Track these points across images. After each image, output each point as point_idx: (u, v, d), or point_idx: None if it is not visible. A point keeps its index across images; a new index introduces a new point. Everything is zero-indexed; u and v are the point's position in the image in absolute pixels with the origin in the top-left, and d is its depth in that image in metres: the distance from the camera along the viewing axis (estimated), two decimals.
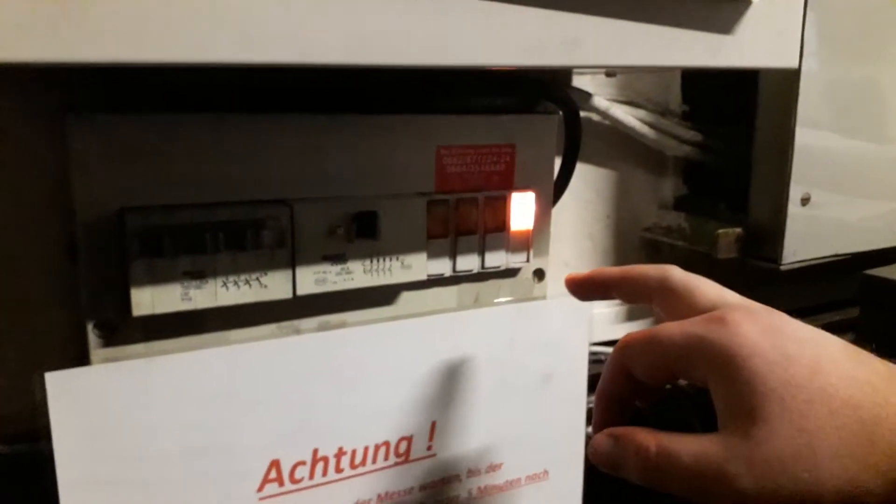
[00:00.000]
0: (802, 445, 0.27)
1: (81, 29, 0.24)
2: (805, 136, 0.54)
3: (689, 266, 0.68)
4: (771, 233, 0.55)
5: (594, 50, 0.33)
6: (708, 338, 0.29)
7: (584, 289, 0.39)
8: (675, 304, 0.33)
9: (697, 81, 0.60)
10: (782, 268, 0.55)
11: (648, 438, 0.30)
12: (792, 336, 0.29)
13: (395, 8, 0.28)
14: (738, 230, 0.57)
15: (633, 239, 0.64)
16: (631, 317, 0.63)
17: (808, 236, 0.56)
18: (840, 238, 0.59)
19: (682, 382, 0.34)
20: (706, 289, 0.33)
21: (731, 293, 0.33)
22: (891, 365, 0.29)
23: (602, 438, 0.33)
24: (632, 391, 0.34)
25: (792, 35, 0.39)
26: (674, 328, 0.31)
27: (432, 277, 0.45)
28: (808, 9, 0.45)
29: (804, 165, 0.55)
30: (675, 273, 0.34)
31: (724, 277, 0.67)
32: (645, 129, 0.57)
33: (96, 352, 0.37)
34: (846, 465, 0.27)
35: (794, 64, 0.40)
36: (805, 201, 0.55)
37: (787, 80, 0.54)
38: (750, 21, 0.37)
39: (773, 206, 0.55)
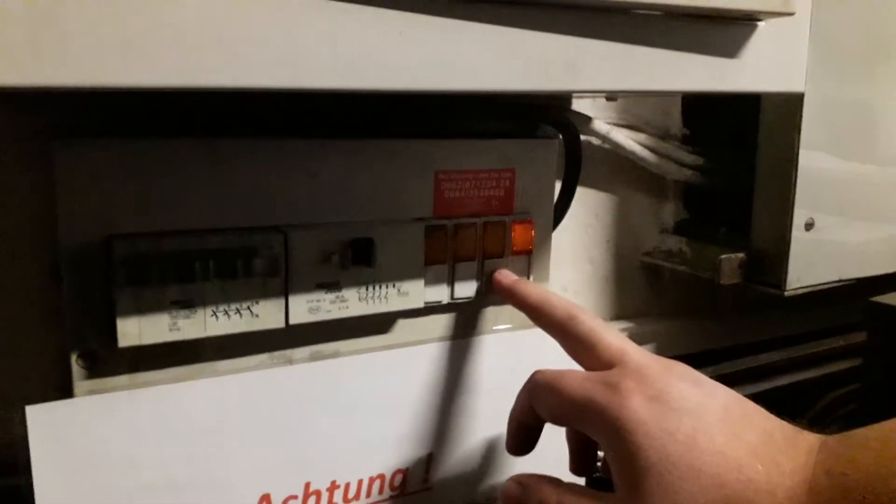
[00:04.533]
0: None
1: (61, 52, 0.22)
2: (808, 159, 0.54)
3: (690, 290, 0.67)
4: (774, 258, 0.54)
5: (596, 74, 0.32)
6: (602, 405, 0.32)
7: (504, 296, 0.45)
8: (578, 350, 0.37)
9: (698, 105, 0.60)
10: (786, 293, 0.54)
11: (551, 494, 0.34)
12: (675, 407, 0.31)
13: (394, 31, 0.27)
14: (741, 255, 0.56)
15: (633, 263, 0.63)
16: (634, 341, 0.62)
17: (812, 261, 0.55)
18: (844, 263, 0.58)
19: None
20: (609, 342, 0.36)
21: (631, 348, 0.36)
22: (763, 427, 0.32)
23: (511, 485, 0.37)
24: (540, 421, 0.38)
25: (798, 58, 0.39)
26: (574, 384, 0.34)
27: (430, 305, 0.44)
28: None
29: (807, 189, 0.54)
30: (583, 320, 0.38)
31: (727, 303, 0.66)
32: (645, 153, 0.57)
33: (80, 383, 0.36)
34: None
35: (800, 88, 0.39)
36: (809, 226, 0.54)
37: (790, 103, 0.54)
38: (755, 45, 0.37)
39: (777, 230, 0.54)
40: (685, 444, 0.31)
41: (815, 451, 0.31)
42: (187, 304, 0.35)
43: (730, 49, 0.36)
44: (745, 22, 0.36)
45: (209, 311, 0.36)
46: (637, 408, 0.32)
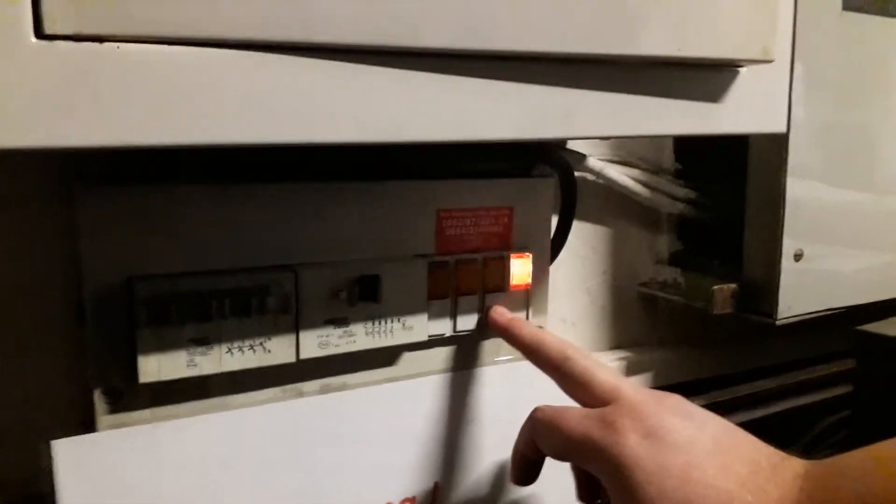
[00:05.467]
0: None
1: (93, 114, 0.25)
2: (796, 188, 0.56)
3: (685, 320, 0.69)
4: (765, 288, 0.56)
5: (587, 122, 0.34)
6: (600, 444, 0.35)
7: (500, 334, 0.46)
8: (574, 389, 0.39)
9: (689, 141, 0.62)
10: (778, 322, 0.56)
11: None
12: (669, 442, 0.34)
13: (400, 89, 0.29)
14: (733, 286, 0.58)
15: (630, 294, 0.65)
16: (630, 371, 0.63)
17: (803, 291, 0.57)
18: (835, 292, 0.60)
19: None
20: (602, 380, 0.38)
21: (625, 384, 0.38)
22: (751, 457, 0.34)
23: None
24: (541, 454, 0.40)
25: (779, 101, 0.41)
26: (573, 422, 0.36)
27: (433, 338, 0.46)
28: (796, 58, 0.46)
29: (796, 219, 0.56)
30: (576, 360, 0.40)
31: (720, 332, 0.68)
32: (639, 188, 0.59)
33: (103, 418, 0.38)
34: None
35: (781, 129, 0.41)
36: (798, 257, 0.56)
37: (777, 138, 0.56)
38: (738, 89, 0.39)
39: (767, 262, 0.56)
40: (680, 478, 0.33)
41: (801, 477, 0.32)
42: (204, 341, 0.37)
43: (713, 94, 0.38)
44: (728, 69, 0.38)
45: (224, 347, 0.38)
46: (633, 445, 0.34)
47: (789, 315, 0.56)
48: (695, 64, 0.37)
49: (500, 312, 0.47)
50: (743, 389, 0.68)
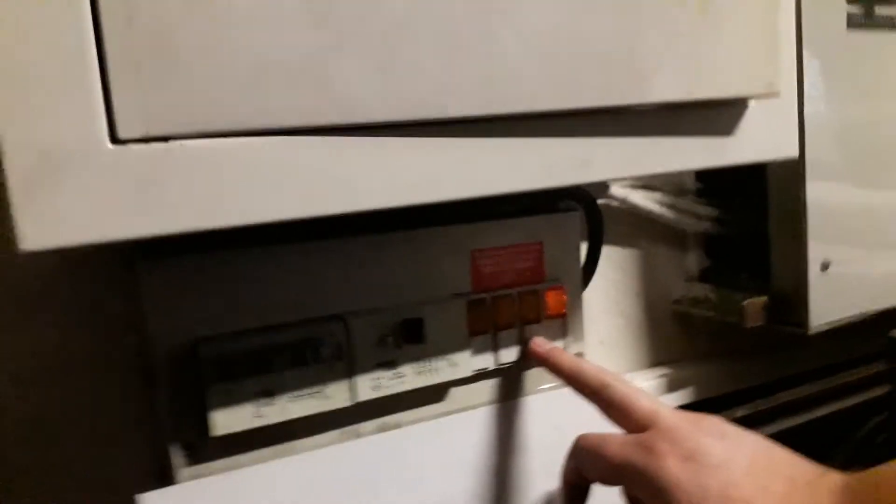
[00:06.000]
0: None
1: (162, 206, 0.28)
2: (818, 192, 0.56)
3: (720, 333, 0.70)
4: (795, 300, 0.57)
5: (605, 167, 0.37)
6: (641, 468, 0.36)
7: (540, 363, 0.49)
8: (613, 415, 0.41)
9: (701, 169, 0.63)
10: (810, 332, 0.57)
11: None
12: (707, 463, 0.35)
13: (429, 156, 0.32)
14: (764, 299, 0.59)
15: (664, 312, 0.67)
16: (672, 387, 0.65)
17: (833, 299, 0.58)
18: (865, 296, 0.61)
19: None
20: (641, 405, 0.40)
21: (662, 409, 0.39)
22: (788, 474, 0.35)
23: None
24: (587, 480, 0.42)
25: (789, 129, 0.43)
26: (614, 448, 0.38)
27: (477, 372, 0.48)
28: (811, 53, 0.47)
29: (820, 227, 0.57)
30: (615, 387, 0.41)
31: (755, 343, 0.69)
32: (663, 210, 0.61)
33: (180, 470, 0.41)
34: None
35: (794, 154, 0.43)
36: (825, 266, 0.57)
37: None
38: (748, 122, 0.41)
39: (794, 273, 0.58)
40: (718, 497, 0.34)
41: (837, 493, 0.33)
42: (268, 392, 0.40)
43: (725, 128, 0.41)
44: (737, 104, 0.40)
45: (286, 397, 0.41)
46: (673, 468, 0.35)
47: (821, 324, 0.57)
48: (704, 103, 0.39)
49: (540, 343, 0.49)
50: (784, 397, 0.69)
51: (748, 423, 0.67)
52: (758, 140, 0.41)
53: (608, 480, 0.40)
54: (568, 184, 0.36)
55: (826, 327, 0.58)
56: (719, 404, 0.67)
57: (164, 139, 0.28)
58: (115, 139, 0.27)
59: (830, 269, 0.58)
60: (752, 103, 0.41)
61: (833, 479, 0.34)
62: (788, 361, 0.71)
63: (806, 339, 0.59)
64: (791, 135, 0.42)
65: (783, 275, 0.59)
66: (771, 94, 0.39)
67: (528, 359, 0.50)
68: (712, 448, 0.36)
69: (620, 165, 0.37)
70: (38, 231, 0.26)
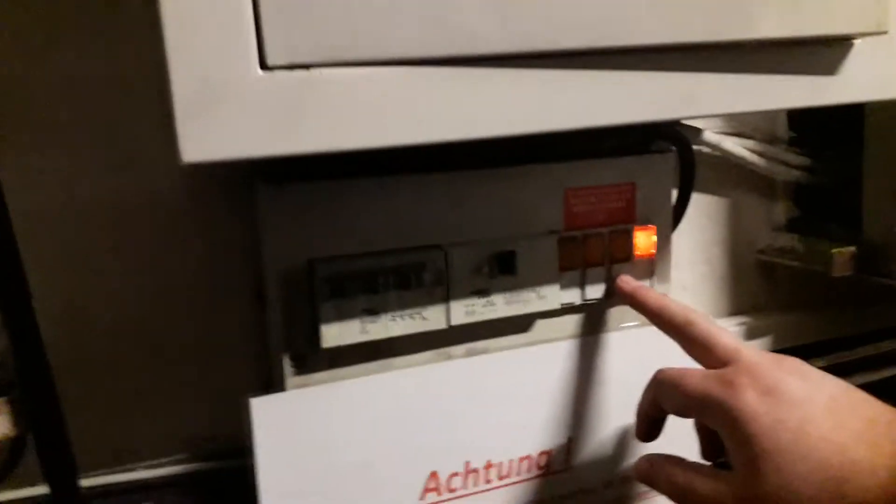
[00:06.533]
0: (786, 495, 0.34)
1: (303, 127, 0.30)
2: None
3: (804, 284, 0.70)
4: (885, 250, 0.57)
5: (708, 102, 0.38)
6: (719, 400, 0.37)
7: (626, 300, 0.50)
8: (696, 351, 0.42)
9: (803, 109, 0.63)
10: None
11: (676, 471, 0.40)
12: (786, 399, 0.36)
13: (544, 87, 0.34)
14: (852, 249, 0.59)
15: (748, 261, 0.67)
16: (751, 336, 0.66)
17: None
18: None
19: None
20: (724, 342, 0.41)
21: (745, 347, 0.40)
22: (867, 415, 0.35)
23: (643, 462, 0.43)
24: (664, 413, 0.43)
25: (894, 69, 0.43)
26: (694, 381, 0.39)
27: (564, 306, 0.50)
28: None
29: None
30: (698, 323, 0.43)
31: (839, 296, 0.69)
32: (754, 158, 0.61)
33: (290, 379, 0.44)
34: None
35: None
36: None
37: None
38: (853, 61, 0.41)
39: (886, 223, 0.57)
40: (794, 432, 0.35)
41: None
42: (373, 311, 0.43)
43: (829, 67, 0.41)
44: (842, 42, 0.40)
45: (389, 316, 0.44)
46: (750, 401, 0.36)
47: None
48: (810, 41, 0.39)
49: (626, 280, 0.51)
50: (865, 351, 0.69)
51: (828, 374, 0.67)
52: (862, 80, 0.41)
53: (685, 412, 0.41)
54: (674, 117, 0.37)
55: None
56: (798, 354, 0.67)
57: (306, 67, 0.30)
58: (263, 66, 0.29)
59: None
60: (858, 42, 0.41)
61: None
62: (872, 316, 0.71)
63: (892, 291, 0.59)
64: (894, 75, 0.42)
65: (874, 225, 0.58)
66: (879, 33, 0.39)
67: (614, 296, 0.52)
68: (792, 385, 0.36)
69: (725, 101, 0.38)
70: (197, 146, 0.29)
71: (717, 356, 0.40)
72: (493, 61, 0.33)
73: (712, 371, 0.39)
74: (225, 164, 0.29)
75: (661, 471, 0.41)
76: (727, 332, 0.42)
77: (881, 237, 0.58)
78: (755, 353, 0.39)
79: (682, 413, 0.41)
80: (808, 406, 0.35)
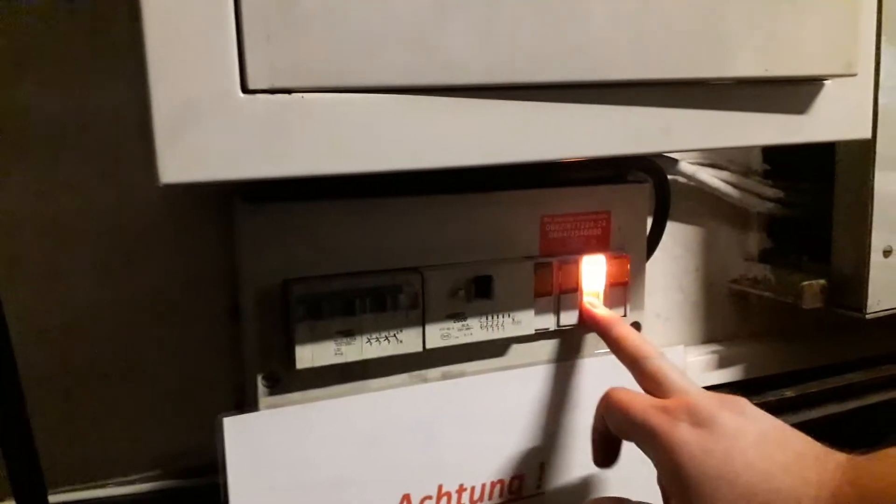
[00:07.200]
0: None
1: (284, 150, 0.31)
2: (886, 182, 0.57)
3: (776, 314, 0.71)
4: (854, 283, 0.58)
5: (684, 137, 0.39)
6: (655, 428, 0.39)
7: (589, 323, 0.51)
8: (647, 384, 0.43)
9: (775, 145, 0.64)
10: (867, 317, 0.58)
11: None
12: (717, 431, 0.37)
13: (520, 118, 0.35)
14: (822, 282, 0.60)
15: (721, 290, 0.68)
16: (722, 364, 0.67)
17: (892, 285, 0.59)
18: None
19: None
20: (672, 380, 0.42)
21: (692, 386, 0.42)
22: (796, 449, 0.36)
23: None
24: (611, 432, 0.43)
25: (864, 109, 0.44)
26: (637, 406, 0.41)
27: (539, 331, 0.51)
28: (889, 40, 0.48)
29: (885, 216, 0.57)
30: (653, 359, 0.44)
31: (810, 326, 0.70)
32: (729, 189, 0.62)
33: (263, 399, 0.44)
34: None
35: (867, 135, 0.44)
36: (887, 253, 0.58)
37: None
38: (823, 101, 0.42)
39: (856, 257, 0.58)
40: (721, 460, 0.36)
41: (843, 466, 0.34)
42: (349, 333, 0.43)
43: (800, 106, 0.42)
44: (813, 83, 0.42)
45: (365, 338, 0.44)
46: (682, 432, 0.37)
47: (878, 309, 0.58)
48: (783, 81, 0.40)
49: (593, 305, 0.51)
50: (832, 382, 0.70)
51: (796, 405, 0.68)
52: (832, 119, 0.42)
53: (625, 435, 0.42)
54: (648, 152, 0.38)
55: (884, 313, 0.59)
56: (769, 385, 0.68)
57: (288, 91, 0.30)
58: (245, 89, 0.30)
59: (891, 258, 0.58)
60: (828, 82, 0.42)
61: (841, 456, 0.35)
62: (842, 347, 0.72)
63: (862, 325, 0.60)
64: (865, 115, 0.43)
65: (844, 259, 0.59)
66: (848, 74, 0.40)
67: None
68: (725, 418, 0.37)
69: (698, 136, 0.39)
70: (176, 167, 0.29)
71: (664, 390, 0.42)
72: (475, 91, 0.34)
73: (658, 400, 0.41)
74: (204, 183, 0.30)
75: None
76: (679, 370, 0.44)
77: (850, 271, 0.59)
78: (700, 392, 0.41)
79: (622, 435, 0.43)
80: (737, 437, 0.37)
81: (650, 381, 0.43)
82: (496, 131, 0.34)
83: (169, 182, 0.29)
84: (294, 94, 0.31)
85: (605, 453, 0.46)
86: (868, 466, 0.34)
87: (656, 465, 0.39)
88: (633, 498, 0.43)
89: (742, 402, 0.39)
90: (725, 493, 0.35)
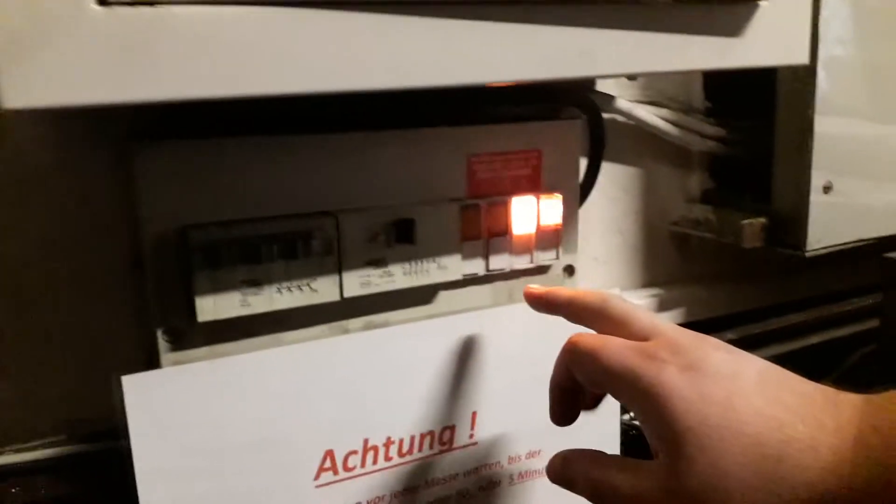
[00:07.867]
0: (716, 479, 0.30)
1: (149, 71, 0.27)
2: (826, 124, 0.56)
3: (717, 256, 0.70)
4: (794, 221, 0.57)
5: (608, 60, 0.36)
6: (638, 373, 0.33)
7: (537, 305, 0.43)
8: (612, 329, 0.37)
9: (719, 78, 0.62)
10: (807, 255, 0.57)
11: (593, 469, 0.36)
12: (711, 373, 0.32)
13: (429, 36, 0.31)
14: (763, 220, 0.58)
15: (661, 232, 0.66)
16: (663, 307, 0.65)
17: (832, 223, 0.58)
18: (864, 223, 0.60)
19: None
20: (641, 318, 0.37)
21: (663, 323, 0.36)
22: (801, 390, 0.32)
23: (556, 461, 0.38)
24: (579, 384, 0.38)
25: (801, 33, 0.41)
26: (612, 350, 0.35)
27: (467, 277, 0.48)
28: None
29: (825, 153, 0.56)
30: (613, 302, 0.38)
31: (752, 268, 0.69)
32: (669, 128, 0.60)
33: (165, 356, 0.41)
34: (754, 499, 0.30)
35: (804, 60, 0.42)
36: (827, 189, 0.57)
37: (805, 71, 0.56)
38: (759, 23, 0.40)
39: (796, 194, 0.57)
40: (722, 405, 0.31)
41: (860, 408, 0.31)
42: (255, 282, 0.40)
43: (734, 28, 0.39)
44: (748, 2, 0.39)
45: (274, 288, 0.41)
46: (672, 375, 0.32)
47: (818, 247, 0.57)
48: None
49: (534, 287, 0.44)
50: (774, 323, 0.69)
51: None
52: (768, 43, 0.40)
53: (600, 386, 0.37)
54: (567, 76, 0.35)
55: (823, 251, 0.58)
56: (710, 327, 0.67)
57: (151, 3, 0.27)
58: (101, 1, 0.26)
59: (832, 195, 0.57)
60: (763, 3, 0.39)
61: (853, 396, 0.32)
62: (782, 288, 0.72)
63: (802, 264, 0.59)
64: (802, 40, 0.41)
65: (784, 196, 0.58)
66: None
67: (520, 265, 0.49)
68: (717, 359, 0.33)
69: (622, 60, 0.36)
70: (21, 90, 0.25)
71: (634, 331, 0.36)
72: (377, 6, 0.30)
73: (633, 342, 0.35)
74: (92, 115, 0.26)
75: (576, 470, 0.37)
76: (644, 309, 0.39)
77: (790, 209, 0.57)
78: (676, 329, 0.36)
79: (595, 386, 0.37)
80: (735, 380, 0.32)
81: (616, 325, 0.37)
82: (403, 52, 0.31)
83: (12, 107, 0.25)
84: (158, 7, 0.27)
85: (565, 410, 0.41)
86: (886, 407, 0.30)
87: (640, 417, 0.34)
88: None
89: (724, 343, 0.35)
90: (730, 445, 0.30)
